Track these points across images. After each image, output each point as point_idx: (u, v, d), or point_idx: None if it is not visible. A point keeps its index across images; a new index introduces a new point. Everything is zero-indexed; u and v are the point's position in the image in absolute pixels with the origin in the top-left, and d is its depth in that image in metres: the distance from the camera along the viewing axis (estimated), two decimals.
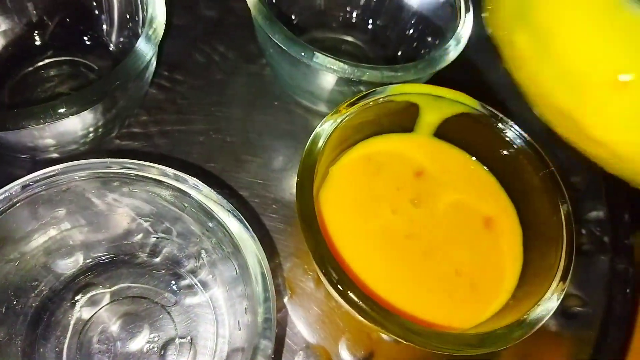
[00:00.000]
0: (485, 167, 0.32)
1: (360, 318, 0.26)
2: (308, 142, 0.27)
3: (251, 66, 0.39)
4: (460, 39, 0.33)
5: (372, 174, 0.31)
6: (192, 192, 0.26)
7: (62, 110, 0.26)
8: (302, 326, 0.31)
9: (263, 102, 0.38)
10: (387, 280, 0.28)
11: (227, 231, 0.25)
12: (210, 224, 0.26)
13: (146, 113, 0.36)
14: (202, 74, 0.39)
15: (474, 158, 0.32)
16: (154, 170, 0.26)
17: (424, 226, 0.30)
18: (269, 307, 0.23)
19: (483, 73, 0.40)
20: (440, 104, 0.31)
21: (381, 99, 0.30)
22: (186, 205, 0.26)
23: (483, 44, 0.36)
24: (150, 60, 0.30)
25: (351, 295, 0.24)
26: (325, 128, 0.28)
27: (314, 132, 0.28)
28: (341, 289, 0.24)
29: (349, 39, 0.41)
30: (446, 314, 0.28)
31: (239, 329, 0.26)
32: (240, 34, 0.40)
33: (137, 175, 0.26)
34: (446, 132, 0.32)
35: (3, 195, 0.24)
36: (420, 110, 0.31)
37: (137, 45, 0.29)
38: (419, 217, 0.30)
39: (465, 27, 0.33)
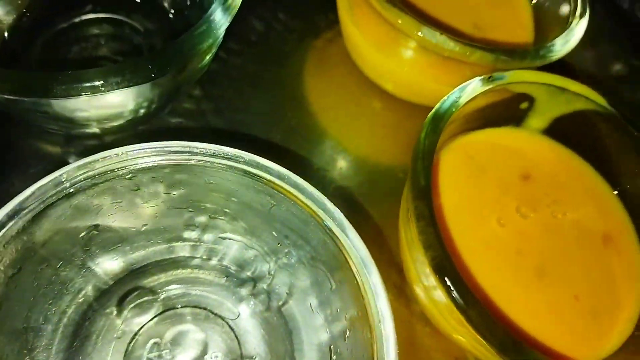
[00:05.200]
0: (599, 175, 0.28)
1: (469, 342, 0.22)
2: (427, 122, 0.23)
3: (318, 40, 0.34)
4: (584, 20, 0.28)
5: (474, 175, 0.27)
6: (280, 183, 0.21)
7: (128, 77, 0.21)
8: None
9: (333, 81, 0.33)
10: (495, 301, 0.24)
11: (328, 236, 0.20)
12: (301, 224, 0.21)
13: (199, 87, 0.31)
14: (261, 45, 0.33)
15: (586, 162, 0.28)
16: (227, 154, 0.21)
17: (534, 241, 0.26)
18: (390, 335, 0.18)
19: (600, 62, 0.36)
20: (560, 97, 0.26)
21: (498, 87, 0.25)
22: (274, 203, 0.22)
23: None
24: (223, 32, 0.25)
25: (476, 316, 0.20)
26: (444, 110, 0.23)
27: (433, 111, 0.23)
28: (465, 307, 0.20)
29: None
30: (563, 345, 0.24)
31: (332, 355, 0.22)
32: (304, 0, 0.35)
33: (199, 160, 0.21)
34: (557, 130, 0.28)
35: (45, 188, 0.19)
36: (536, 102, 0.27)
37: (210, 14, 0.24)
38: (528, 229, 0.26)
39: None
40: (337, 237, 0.20)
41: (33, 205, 0.18)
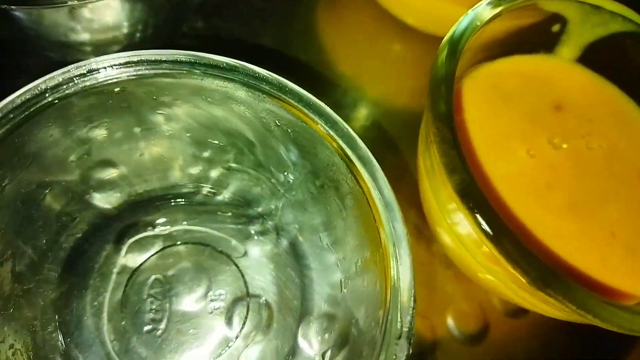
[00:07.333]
0: (637, 105, 0.25)
1: (502, 280, 0.20)
2: (445, 42, 0.21)
3: None
4: None
5: (499, 105, 0.24)
6: (293, 102, 0.19)
7: None
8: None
9: (347, 15, 0.31)
10: (525, 236, 0.22)
11: (344, 163, 0.18)
12: (315, 151, 0.19)
13: (202, 19, 0.29)
14: None
15: (622, 92, 0.26)
16: (231, 68, 0.19)
17: (567, 174, 0.23)
18: (407, 277, 0.17)
19: None
20: (595, 18, 0.24)
21: (525, 4, 0.23)
22: (279, 123, 0.20)
23: None
24: None
25: (508, 244, 0.18)
26: (462, 30, 0.21)
27: (450, 33, 0.21)
28: (495, 236, 0.18)
29: None
30: (597, 283, 0.22)
31: (342, 290, 0.20)
32: None
33: (206, 73, 0.19)
34: (592, 58, 0.26)
35: (27, 95, 0.17)
36: (568, 25, 0.24)
37: None
38: (560, 162, 0.24)
39: None
40: (346, 154, 0.18)
41: (14, 114, 0.17)
